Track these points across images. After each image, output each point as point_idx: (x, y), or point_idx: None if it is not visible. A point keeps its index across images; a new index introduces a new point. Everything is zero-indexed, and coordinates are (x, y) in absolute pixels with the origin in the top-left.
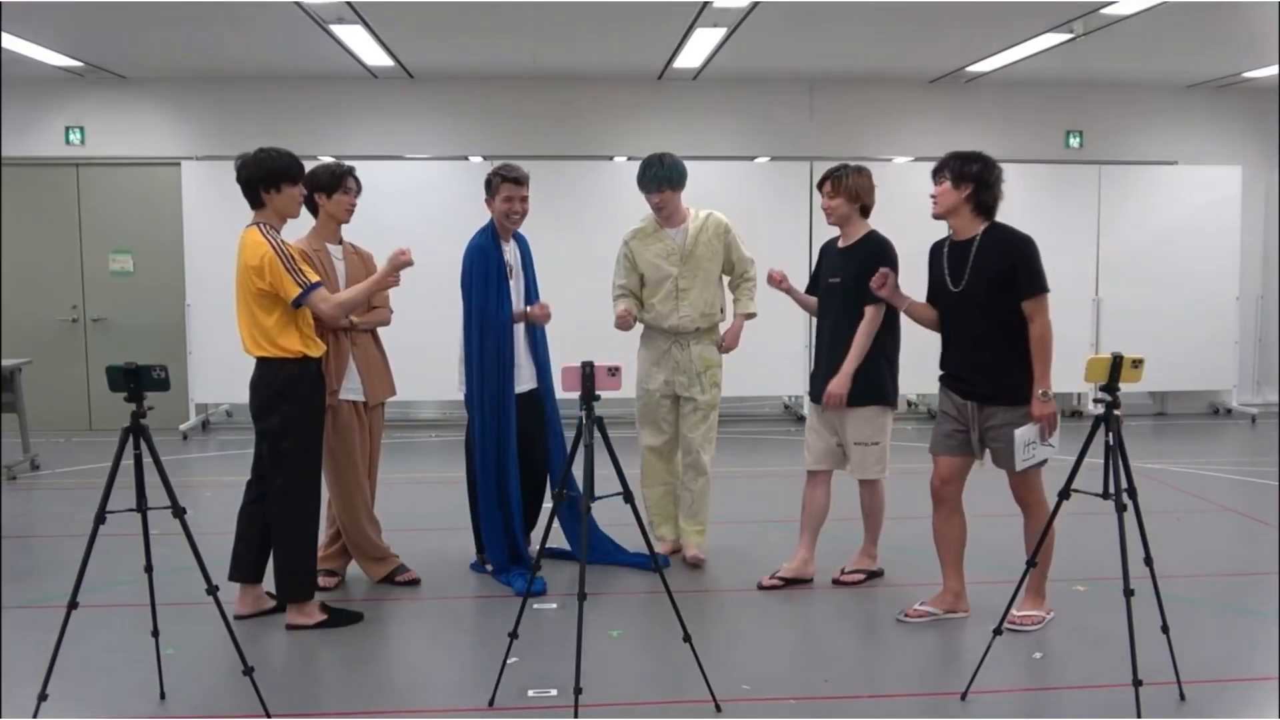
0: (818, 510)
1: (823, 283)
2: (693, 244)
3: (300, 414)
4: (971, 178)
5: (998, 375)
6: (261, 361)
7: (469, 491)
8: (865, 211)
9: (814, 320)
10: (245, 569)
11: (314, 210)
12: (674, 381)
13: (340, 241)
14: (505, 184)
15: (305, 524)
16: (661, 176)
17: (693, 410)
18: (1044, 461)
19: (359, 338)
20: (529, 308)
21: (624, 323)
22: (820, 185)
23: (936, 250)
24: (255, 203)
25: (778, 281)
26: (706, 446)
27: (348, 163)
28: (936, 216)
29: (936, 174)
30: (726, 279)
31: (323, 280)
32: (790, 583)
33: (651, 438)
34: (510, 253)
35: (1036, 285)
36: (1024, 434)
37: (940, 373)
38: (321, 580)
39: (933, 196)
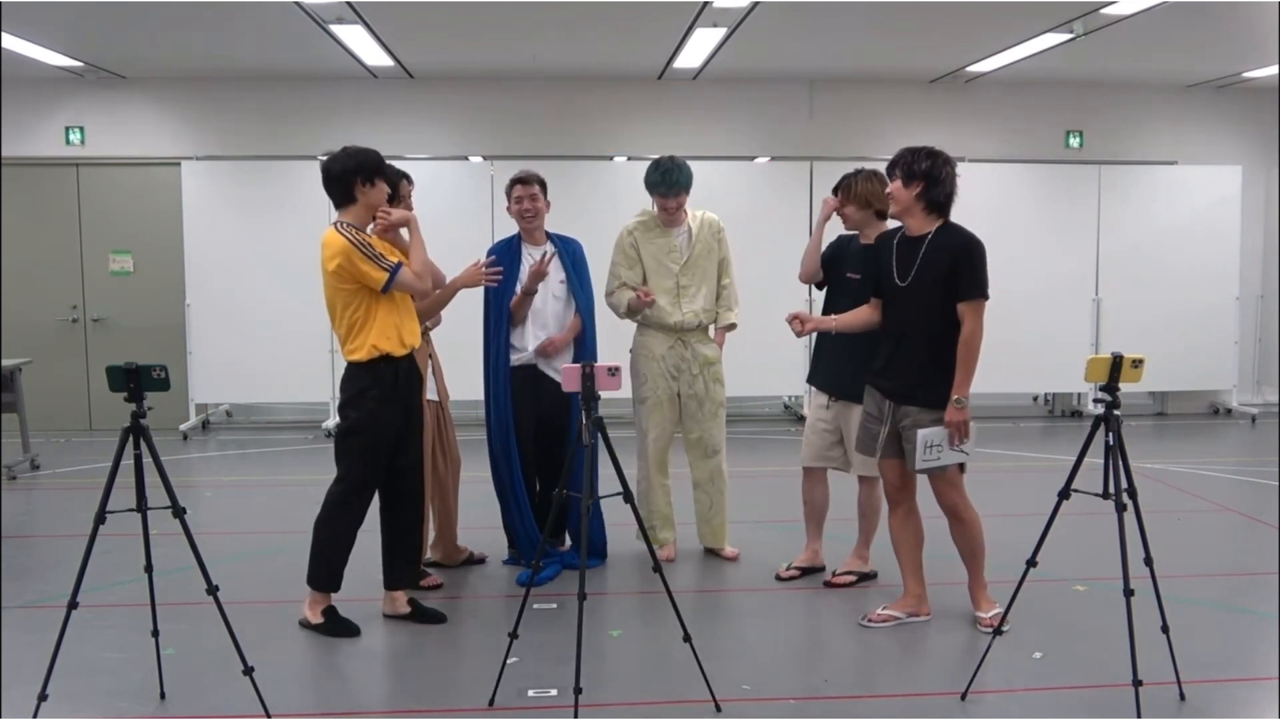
0: (819, 504)
1: (837, 275)
2: (694, 244)
3: (364, 419)
4: (921, 175)
5: (921, 375)
6: (348, 364)
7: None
8: (881, 215)
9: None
10: (397, 578)
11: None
12: (679, 378)
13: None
14: (514, 186)
15: (347, 525)
16: (679, 182)
17: (699, 407)
18: (961, 466)
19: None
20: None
21: (643, 304)
22: (833, 193)
23: (887, 242)
24: (345, 198)
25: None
26: (721, 449)
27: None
28: (892, 215)
29: (889, 171)
30: None
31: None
32: (806, 572)
33: (655, 431)
34: (541, 256)
35: (976, 289)
36: (928, 435)
37: (868, 370)
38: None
39: (888, 194)
